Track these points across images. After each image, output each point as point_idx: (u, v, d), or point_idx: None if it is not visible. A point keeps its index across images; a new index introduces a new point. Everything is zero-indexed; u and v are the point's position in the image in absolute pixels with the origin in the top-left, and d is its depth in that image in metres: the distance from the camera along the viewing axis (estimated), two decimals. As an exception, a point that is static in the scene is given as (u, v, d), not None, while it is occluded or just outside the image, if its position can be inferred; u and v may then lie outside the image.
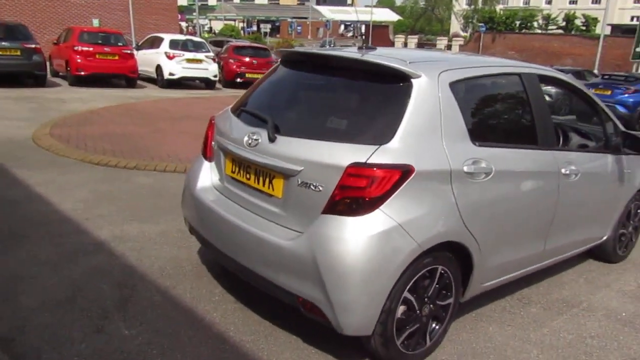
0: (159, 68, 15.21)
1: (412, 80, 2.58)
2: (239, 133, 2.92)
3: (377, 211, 2.37)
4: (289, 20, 68.11)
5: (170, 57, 14.91)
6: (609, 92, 13.95)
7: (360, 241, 2.34)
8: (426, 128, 2.54)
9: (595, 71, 22.26)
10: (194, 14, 54.20)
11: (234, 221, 2.81)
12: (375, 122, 2.55)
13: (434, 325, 2.77)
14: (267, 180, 2.73)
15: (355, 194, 2.38)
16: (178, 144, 7.45)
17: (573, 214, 3.55)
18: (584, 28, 37.19)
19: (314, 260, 2.38)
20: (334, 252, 2.36)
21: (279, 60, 3.41)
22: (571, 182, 3.35)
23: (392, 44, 44.28)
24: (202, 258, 3.84)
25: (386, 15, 70.03)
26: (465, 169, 2.64)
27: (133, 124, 8.74)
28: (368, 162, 2.38)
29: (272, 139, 2.68)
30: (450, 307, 2.83)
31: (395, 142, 2.44)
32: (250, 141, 2.79)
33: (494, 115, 3.16)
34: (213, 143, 3.22)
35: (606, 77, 15.40)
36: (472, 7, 44.18)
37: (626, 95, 13.70)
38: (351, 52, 2.97)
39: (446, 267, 2.67)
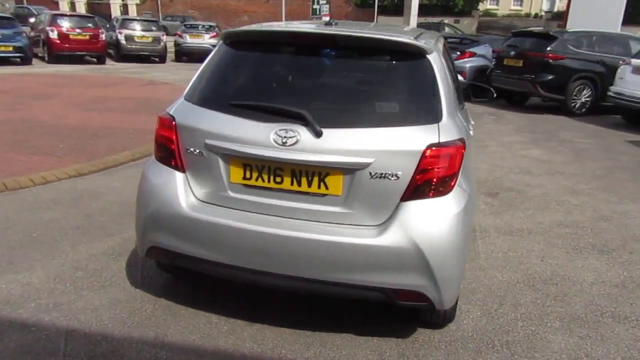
0: None
1: (428, 56, 2.66)
2: (254, 132, 2.47)
3: (456, 187, 2.48)
4: None
5: None
6: None
7: (456, 218, 2.42)
8: (451, 101, 2.70)
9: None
10: None
11: (281, 233, 2.44)
12: (421, 102, 2.57)
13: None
14: (316, 179, 2.45)
15: (438, 174, 2.41)
16: None
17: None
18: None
19: (416, 248, 2.34)
20: (437, 235, 2.37)
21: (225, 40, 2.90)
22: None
23: (56, 4, 39.00)
24: (151, 291, 3.13)
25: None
26: (471, 133, 2.93)
27: None
28: (441, 141, 2.43)
29: (319, 134, 2.40)
30: None
31: (445, 119, 2.53)
32: (284, 139, 2.42)
33: (453, 83, 3.48)
34: (192, 149, 2.61)
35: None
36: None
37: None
38: (348, 29, 2.79)
39: None
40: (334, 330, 2.80)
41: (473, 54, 12.51)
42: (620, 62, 10.01)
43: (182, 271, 3.07)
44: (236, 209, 2.59)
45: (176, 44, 19.26)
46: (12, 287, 3.09)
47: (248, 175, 2.54)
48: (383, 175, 2.39)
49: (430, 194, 2.42)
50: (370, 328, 2.84)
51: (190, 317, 2.87)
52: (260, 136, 2.46)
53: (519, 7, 48.48)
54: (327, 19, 22.42)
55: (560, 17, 35.15)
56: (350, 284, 2.45)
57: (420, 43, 2.64)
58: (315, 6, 21.80)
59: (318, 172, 2.44)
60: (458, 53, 12.37)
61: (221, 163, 2.56)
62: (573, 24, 15.09)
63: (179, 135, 2.66)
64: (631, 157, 7.46)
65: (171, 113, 2.73)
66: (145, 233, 2.75)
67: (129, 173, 5.43)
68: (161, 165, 2.74)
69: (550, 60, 10.55)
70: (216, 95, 2.75)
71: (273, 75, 2.82)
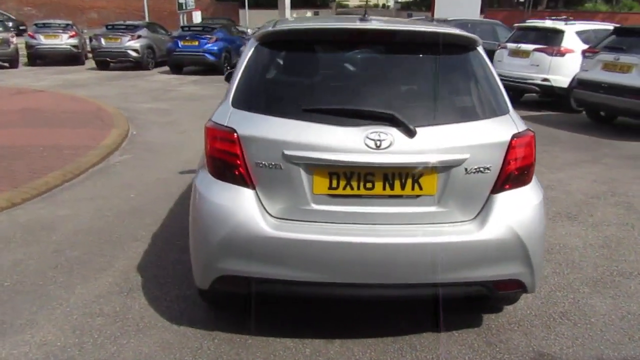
0: None
1: (477, 48, 2.71)
2: (343, 138, 2.30)
3: (534, 174, 2.57)
4: None
5: None
6: (196, 43, 15.05)
7: (540, 205, 2.51)
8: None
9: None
10: None
11: (382, 241, 2.33)
12: (489, 94, 2.59)
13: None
14: (410, 181, 2.36)
15: (522, 164, 2.47)
16: None
17: None
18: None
19: (517, 238, 2.38)
20: (531, 223, 2.44)
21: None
22: None
23: None
24: (198, 326, 2.78)
25: None
26: None
27: None
28: (519, 131, 2.49)
29: (413, 134, 2.32)
30: None
31: (511, 109, 2.61)
32: (378, 142, 2.30)
33: None
34: (264, 162, 2.35)
35: (186, 28, 16.42)
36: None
37: (210, 44, 15.19)
38: (392, 25, 2.70)
39: None
40: (411, 332, 2.76)
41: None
42: (497, 46, 11.14)
43: (244, 299, 2.79)
44: (321, 222, 2.41)
45: (28, 46, 16.96)
46: (26, 350, 2.53)
47: (335, 185, 2.37)
48: (477, 169, 2.39)
49: (517, 184, 2.48)
50: (443, 322, 2.84)
51: (262, 347, 2.61)
52: (350, 141, 2.31)
53: (368, -1, 51.30)
54: (198, 13, 21.62)
55: (408, 7, 38.13)
56: (454, 283, 2.43)
57: (472, 35, 2.68)
58: (181, 0, 20.85)
59: (412, 174, 2.37)
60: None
61: (303, 174, 2.35)
62: (439, 14, 16.41)
63: (244, 148, 2.39)
64: (528, 132, 8.35)
65: (227, 124, 2.43)
66: (213, 262, 2.42)
67: (71, 197, 4.73)
68: (222, 183, 2.44)
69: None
70: (279, 101, 2.51)
71: (335, 75, 2.63)
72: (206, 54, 15.14)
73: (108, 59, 16.30)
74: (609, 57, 8.04)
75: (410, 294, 2.53)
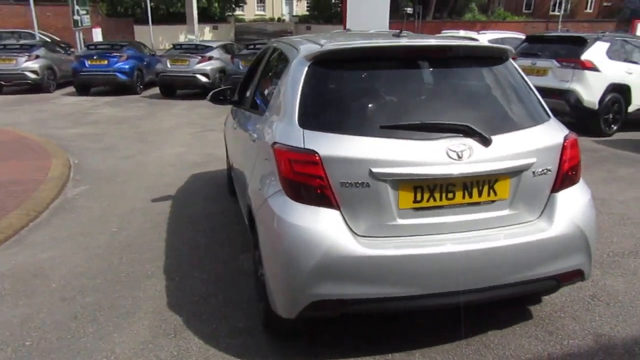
0: None
1: (510, 59, 2.91)
2: (426, 152, 2.36)
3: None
4: None
5: None
6: (105, 62, 14.05)
7: (591, 199, 2.73)
8: None
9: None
10: None
11: (469, 248, 2.40)
12: (532, 101, 2.78)
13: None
14: (486, 187, 2.47)
15: (573, 164, 2.68)
16: None
17: None
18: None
19: (580, 231, 2.57)
20: (589, 216, 2.65)
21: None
22: None
23: None
24: (274, 357, 2.65)
25: None
26: None
27: None
28: (567, 133, 2.70)
29: (489, 142, 2.44)
30: None
31: (551, 114, 2.82)
32: (460, 154, 2.38)
33: None
34: (349, 181, 2.33)
35: (92, 47, 15.32)
36: None
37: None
38: (430, 40, 2.80)
39: None
40: (479, 332, 2.85)
41: (211, 58, 13.63)
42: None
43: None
44: (406, 236, 2.44)
45: None
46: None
47: (419, 198, 2.41)
48: (542, 172, 2.56)
49: (570, 183, 2.68)
50: (498, 319, 2.97)
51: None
52: (434, 154, 2.37)
53: (262, 12, 51.58)
54: (98, 30, 20.35)
55: (306, 20, 38.91)
56: (531, 280, 2.56)
57: (507, 47, 2.87)
58: (77, 17, 19.49)
59: (488, 180, 2.47)
60: (199, 57, 13.33)
61: (390, 190, 2.37)
62: (350, 25, 16.92)
63: (326, 169, 2.35)
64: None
65: (305, 146, 2.38)
66: (305, 289, 2.35)
67: (45, 237, 4.26)
68: (305, 206, 2.38)
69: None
70: (353, 119, 2.50)
71: (400, 91, 2.65)
72: (117, 73, 14.21)
73: (2, 82, 14.79)
74: (526, 62, 8.84)
75: (495, 295, 2.62)
